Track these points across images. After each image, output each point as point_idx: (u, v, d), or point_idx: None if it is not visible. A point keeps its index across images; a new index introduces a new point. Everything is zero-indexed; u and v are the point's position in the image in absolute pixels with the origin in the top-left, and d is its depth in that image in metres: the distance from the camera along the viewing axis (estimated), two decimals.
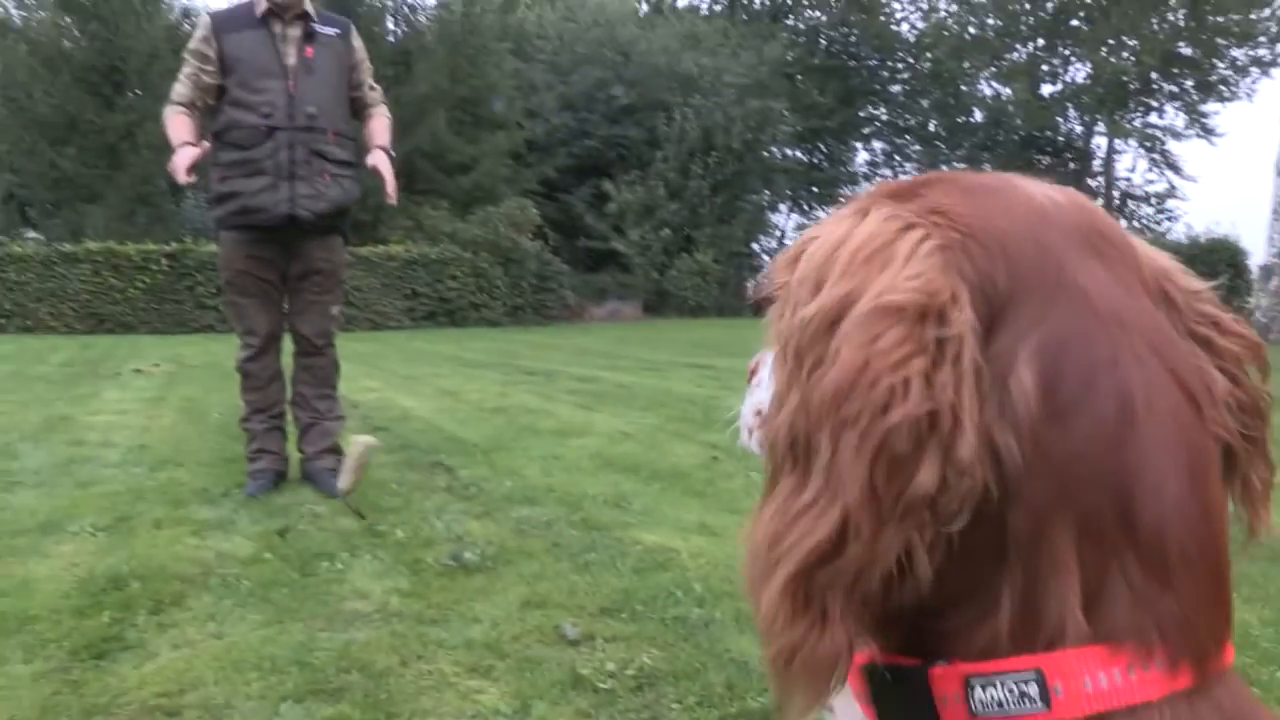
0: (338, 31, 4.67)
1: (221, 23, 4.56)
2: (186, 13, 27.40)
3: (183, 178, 4.45)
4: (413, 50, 26.75)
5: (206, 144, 4.52)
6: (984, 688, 0.59)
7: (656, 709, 2.39)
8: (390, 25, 28.00)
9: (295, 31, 4.51)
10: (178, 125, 4.52)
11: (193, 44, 4.61)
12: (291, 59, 4.48)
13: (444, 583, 3.33)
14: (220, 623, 2.97)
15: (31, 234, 25.73)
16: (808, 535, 0.59)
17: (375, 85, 4.88)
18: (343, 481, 4.36)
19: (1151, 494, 0.58)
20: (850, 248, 0.63)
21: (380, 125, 4.86)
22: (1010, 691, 0.58)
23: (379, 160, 4.75)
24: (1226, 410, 0.65)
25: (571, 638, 2.82)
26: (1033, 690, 0.58)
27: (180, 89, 4.57)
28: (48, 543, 3.84)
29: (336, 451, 4.79)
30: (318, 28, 4.57)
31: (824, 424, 0.59)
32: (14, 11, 28.19)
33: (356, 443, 4.43)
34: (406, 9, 28.11)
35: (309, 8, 4.55)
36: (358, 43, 4.76)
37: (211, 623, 2.97)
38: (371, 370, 11.19)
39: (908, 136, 36.62)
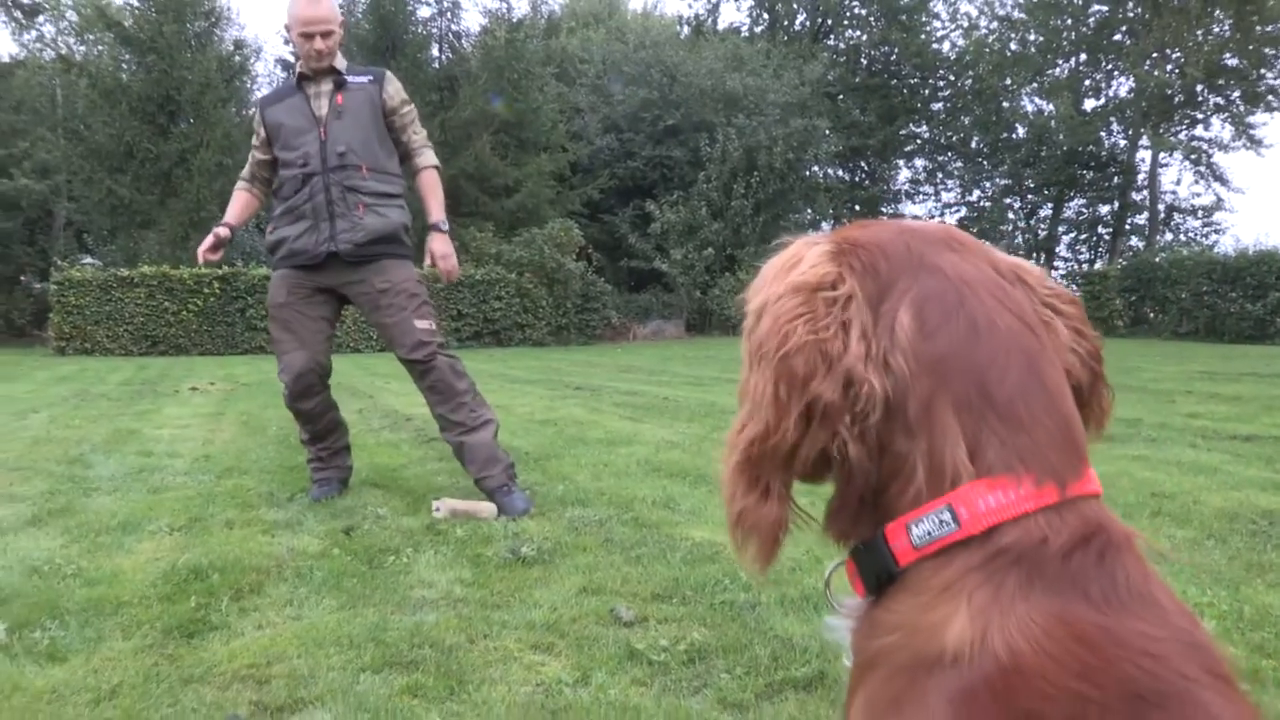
0: (369, 78, 4.80)
1: (266, 100, 4.95)
2: (238, 44, 28.12)
3: (200, 260, 4.81)
4: (458, 75, 27.20)
5: (228, 233, 4.87)
6: (917, 525, 0.85)
7: (707, 678, 2.56)
8: (435, 52, 28.49)
9: (327, 87, 4.73)
10: (233, 203, 4.98)
11: (254, 125, 5.00)
12: (323, 110, 4.70)
13: (504, 574, 3.52)
14: (298, 607, 3.17)
15: (88, 260, 26.43)
16: (745, 434, 0.92)
17: (420, 129, 4.97)
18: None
19: (999, 376, 0.86)
20: (778, 263, 0.97)
21: (431, 186, 4.93)
22: (934, 523, 0.84)
23: (434, 246, 4.83)
24: (1074, 354, 0.96)
25: (626, 619, 3.00)
26: (947, 516, 0.83)
27: (246, 167, 5.00)
28: (129, 540, 4.07)
29: (498, 460, 4.71)
30: (349, 78, 4.76)
31: (752, 364, 0.93)
32: (76, 48, 29.09)
33: (485, 505, 4.54)
34: (451, 35, 28.58)
35: (339, 64, 4.74)
36: (392, 88, 4.83)
37: (289, 607, 3.18)
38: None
39: (950, 154, 36.56)
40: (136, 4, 23.87)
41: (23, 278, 27.71)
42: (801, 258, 0.95)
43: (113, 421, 8.32)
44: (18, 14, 25.37)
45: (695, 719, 2.30)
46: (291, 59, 31.63)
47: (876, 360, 0.87)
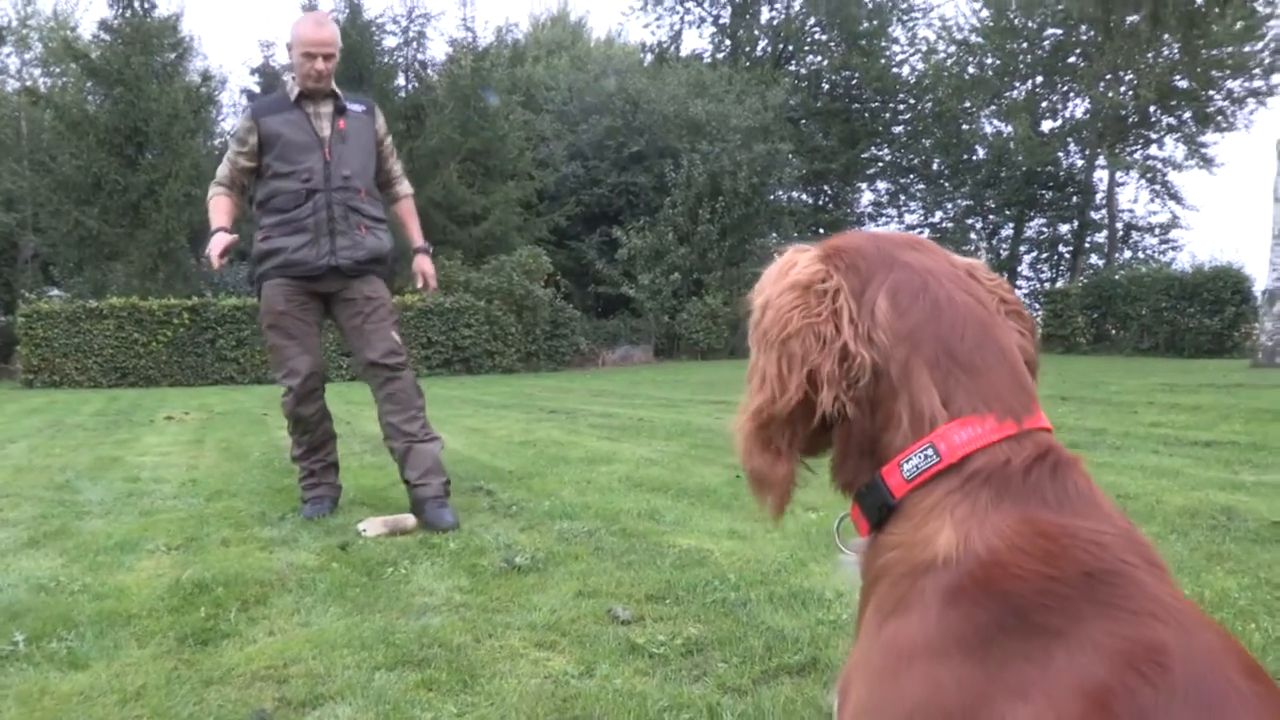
0: (364, 108, 5.07)
1: (260, 109, 5.03)
2: (205, 75, 28.12)
3: (216, 264, 4.87)
4: (424, 104, 27.35)
5: (236, 236, 4.93)
6: (907, 462, 1.06)
7: (705, 667, 2.71)
8: (401, 81, 28.64)
9: (326, 108, 4.93)
10: (217, 207, 4.98)
11: (236, 129, 5.11)
12: (326, 131, 4.90)
13: (501, 581, 3.65)
14: (305, 615, 3.29)
15: (55, 292, 26.29)
16: (755, 404, 1.14)
17: (398, 160, 5.32)
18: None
19: (959, 340, 1.08)
20: (775, 268, 1.19)
21: (409, 213, 5.37)
22: (920, 458, 1.05)
23: (424, 266, 5.32)
24: (1017, 333, 1.18)
25: (623, 618, 3.14)
26: (930, 452, 1.04)
27: (222, 170, 5.04)
28: (128, 559, 4.16)
29: (440, 473, 4.93)
30: (347, 104, 4.99)
31: (759, 349, 1.15)
32: (41, 80, 29.02)
33: (405, 517, 4.75)
34: (417, 65, 28.74)
35: (335, 88, 4.96)
36: (381, 121, 5.14)
37: (297, 615, 3.29)
38: None
39: (912, 176, 37.06)
40: (104, 35, 23.87)
41: None
42: (795, 262, 1.17)
43: (93, 450, 8.36)
44: None
45: (698, 703, 2.44)
46: (256, 88, 31.82)
47: (863, 337, 1.10)
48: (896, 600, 1.02)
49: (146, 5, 24.33)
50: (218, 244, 4.82)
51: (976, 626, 0.93)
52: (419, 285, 5.41)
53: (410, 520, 4.72)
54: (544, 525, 4.65)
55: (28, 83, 28.46)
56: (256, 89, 34.02)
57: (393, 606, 3.37)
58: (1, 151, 26.63)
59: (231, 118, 34.62)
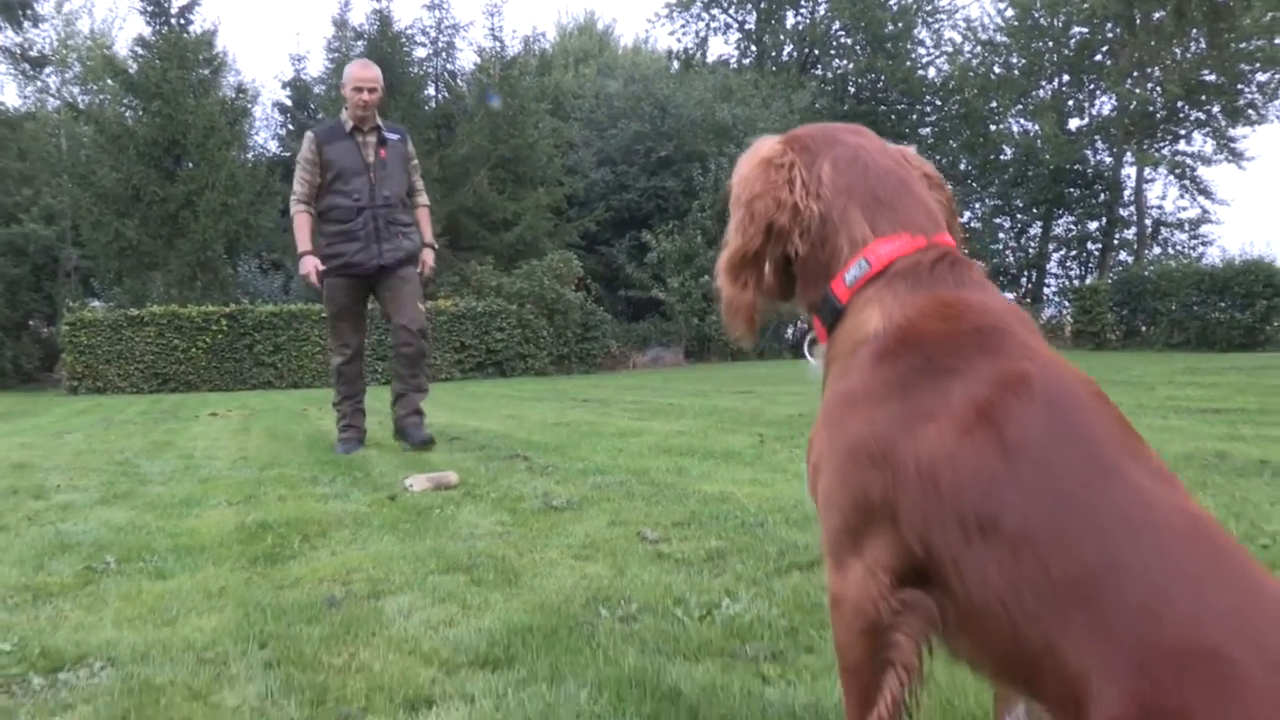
0: (399, 136, 6.71)
1: (322, 137, 6.53)
2: (240, 89, 28.71)
3: (314, 281, 6.50)
4: (454, 113, 27.78)
5: (318, 260, 6.49)
6: (847, 274, 1.47)
7: (724, 567, 3.00)
8: (431, 91, 29.11)
9: (371, 139, 6.52)
10: (301, 226, 6.56)
11: (304, 153, 6.51)
12: (370, 158, 6.49)
13: (539, 518, 3.96)
14: (363, 543, 3.61)
15: (95, 303, 26.89)
16: (728, 248, 1.56)
17: (420, 174, 6.91)
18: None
19: (883, 188, 1.50)
20: (747, 152, 1.61)
21: (425, 219, 6.91)
22: (857, 269, 1.45)
23: (425, 257, 6.87)
24: (937, 202, 1.58)
25: (651, 539, 3.44)
26: (863, 263, 1.45)
27: (300, 189, 6.53)
28: (194, 511, 4.50)
29: (420, 414, 6.77)
30: (386, 134, 6.57)
31: (733, 210, 1.57)
32: (80, 97, 29.73)
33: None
34: (447, 74, 29.19)
35: (379, 121, 6.56)
36: (411, 145, 6.84)
37: (355, 543, 3.61)
38: (434, 407, 11.85)
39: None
40: (142, 51, 24.46)
41: (31, 323, 28.13)
42: (763, 144, 1.62)
43: (145, 437, 8.75)
44: (25, 66, 25.94)
45: (716, 589, 2.74)
46: (289, 102, 32.45)
47: (812, 194, 1.52)
48: (843, 369, 1.41)
49: (183, 22, 24.92)
50: (309, 267, 6.47)
51: (898, 373, 1.31)
52: (420, 270, 6.81)
53: (453, 476, 5.04)
54: (578, 480, 4.95)
55: (68, 100, 29.11)
56: (289, 102, 34.70)
57: (441, 534, 3.68)
58: (43, 168, 27.27)
59: (264, 130, 35.38)
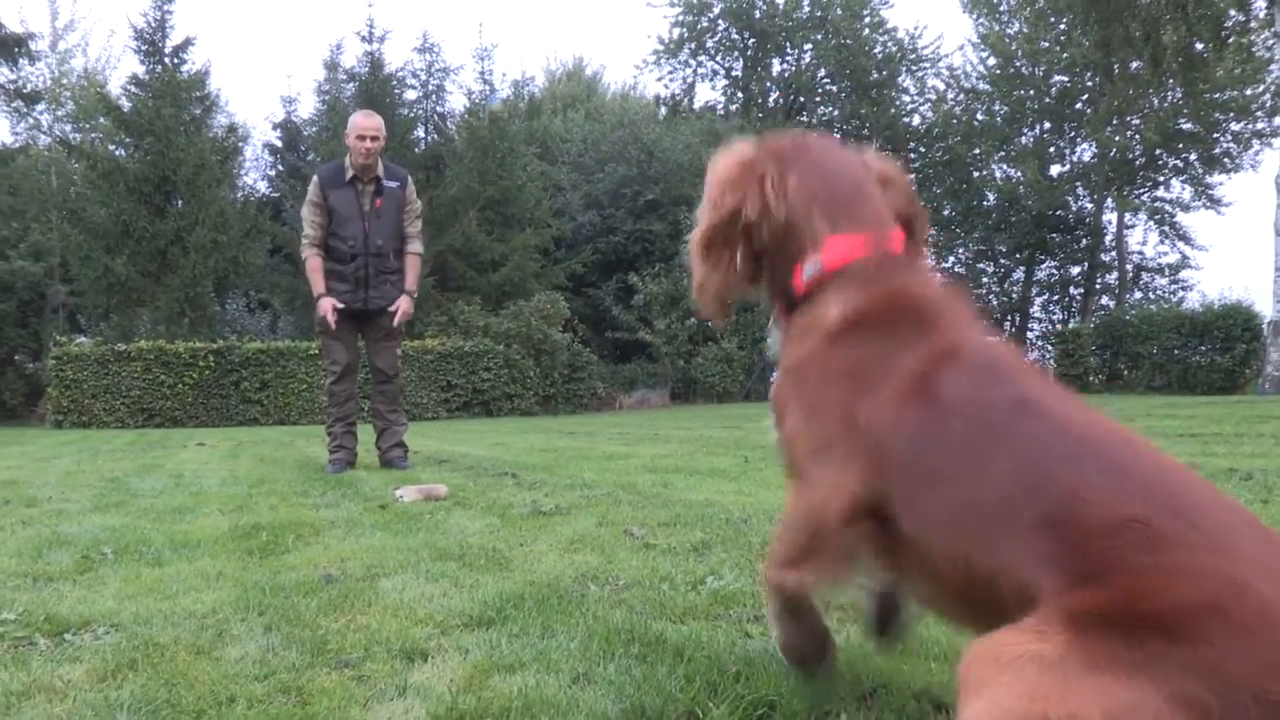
0: (398, 184, 6.87)
1: (326, 181, 6.77)
2: (230, 128, 28.98)
3: (332, 325, 6.69)
4: (443, 155, 28.05)
5: (333, 300, 6.72)
6: (805, 270, 1.68)
7: (708, 556, 3.09)
8: (421, 133, 29.39)
9: (370, 188, 6.76)
10: (314, 269, 6.79)
11: (310, 196, 6.79)
12: (367, 206, 6.75)
13: (529, 521, 4.04)
14: (356, 538, 3.69)
15: (82, 339, 26.89)
16: (698, 232, 1.80)
17: (418, 222, 7.04)
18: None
19: (843, 194, 1.73)
20: (723, 154, 1.84)
21: (413, 266, 6.99)
22: (813, 266, 1.67)
23: (403, 303, 6.93)
24: (901, 200, 1.81)
25: (638, 535, 3.52)
26: (820, 259, 1.66)
27: (311, 232, 6.80)
28: (187, 517, 4.56)
29: (403, 446, 7.11)
30: (385, 183, 6.78)
31: (706, 204, 1.80)
32: (72, 135, 29.91)
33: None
34: (436, 117, 29.49)
35: (380, 170, 6.75)
36: (411, 190, 6.99)
37: (349, 538, 3.69)
38: (420, 438, 11.92)
39: None
40: (135, 89, 24.66)
41: (16, 358, 28.12)
42: (738, 148, 1.82)
43: (135, 460, 8.80)
44: (19, 103, 26.10)
45: (704, 570, 2.82)
46: (279, 142, 32.69)
47: (780, 198, 1.72)
48: (799, 341, 1.65)
49: (176, 61, 25.17)
50: (325, 308, 6.68)
51: (851, 351, 1.54)
52: (393, 310, 6.93)
53: (442, 489, 5.12)
54: (566, 491, 5.04)
55: (59, 137, 29.27)
56: (279, 143, 34.95)
57: (433, 533, 3.76)
58: (33, 203, 27.38)
59: (254, 171, 35.60)
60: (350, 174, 6.72)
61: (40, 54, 26.71)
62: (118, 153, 25.16)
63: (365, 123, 6.72)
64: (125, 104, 24.83)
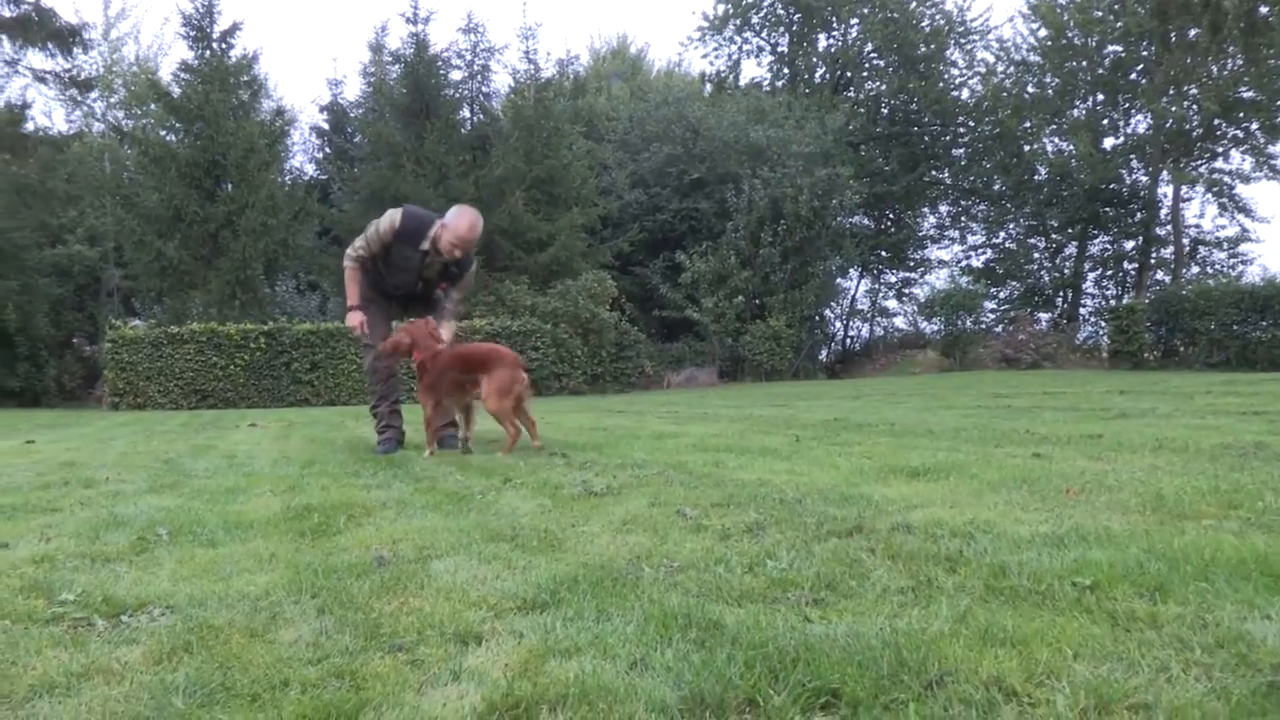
0: (459, 271, 6.78)
1: (402, 236, 6.61)
2: (278, 112, 29.21)
3: (358, 333, 6.81)
4: (489, 135, 28.07)
5: (363, 314, 6.79)
6: None
7: (762, 537, 3.04)
8: (466, 113, 29.41)
9: (439, 262, 6.65)
10: (351, 280, 6.83)
11: (382, 227, 6.64)
12: (427, 274, 6.73)
13: (580, 501, 4.00)
14: (407, 519, 3.68)
15: (137, 322, 27.30)
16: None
17: (460, 296, 6.96)
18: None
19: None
20: None
21: (447, 313, 6.79)
22: None
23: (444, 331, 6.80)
24: None
25: (691, 515, 3.48)
26: None
27: (360, 250, 6.76)
28: (240, 498, 4.58)
29: (454, 425, 6.88)
30: (452, 269, 6.71)
31: None
32: (124, 121, 30.31)
33: None
34: (482, 97, 29.50)
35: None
36: (470, 277, 7.02)
37: (400, 519, 3.68)
38: None
39: (973, 198, 36.97)
40: (185, 75, 24.93)
41: (74, 341, 28.60)
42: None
43: (188, 441, 8.89)
44: (73, 91, 26.47)
45: (759, 552, 2.78)
46: (325, 125, 32.93)
47: None
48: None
49: (224, 46, 25.38)
50: (355, 321, 6.76)
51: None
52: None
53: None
54: (617, 471, 5.00)
55: (112, 123, 29.71)
56: (325, 126, 35.19)
57: (485, 513, 3.74)
58: (87, 189, 27.78)
59: (301, 154, 35.90)
60: (425, 246, 6.61)
61: (93, 42, 27.02)
62: (169, 138, 25.47)
63: (468, 235, 6.57)
64: (175, 90, 25.13)
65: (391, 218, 6.64)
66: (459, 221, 6.51)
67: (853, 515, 3.22)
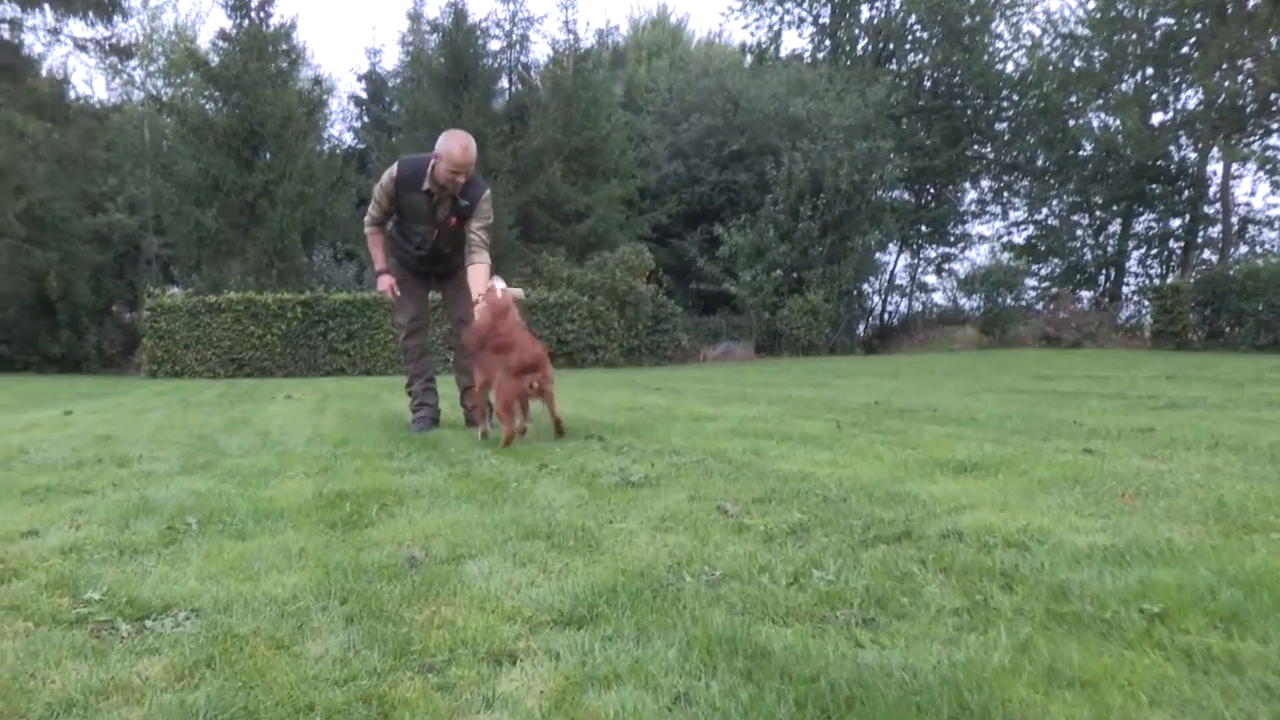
0: (468, 203, 6.44)
1: (402, 183, 6.46)
2: (316, 81, 29.20)
3: (390, 296, 6.80)
4: (527, 105, 27.92)
5: (392, 277, 6.80)
6: None
7: (807, 541, 2.93)
8: (505, 83, 29.26)
9: (446, 203, 6.47)
10: (375, 244, 6.82)
11: (384, 184, 6.56)
12: (440, 218, 6.52)
13: (618, 492, 3.91)
14: (440, 511, 3.59)
15: (175, 290, 27.48)
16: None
17: (484, 232, 6.50)
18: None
19: None
20: None
21: (477, 275, 6.37)
22: None
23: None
24: None
25: (732, 512, 3.37)
26: None
27: (374, 213, 6.71)
28: (272, 481, 4.52)
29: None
30: (460, 202, 6.43)
31: None
32: (164, 90, 30.43)
33: None
34: (520, 67, 29.34)
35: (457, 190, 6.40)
36: (486, 205, 6.50)
37: (433, 510, 3.60)
38: None
39: (1016, 173, 36.40)
40: (223, 44, 24.93)
41: (114, 308, 28.83)
42: None
43: (223, 415, 8.88)
44: (113, 58, 26.58)
45: (804, 560, 2.67)
46: (364, 94, 32.89)
47: None
48: None
49: (262, 15, 25.34)
50: (385, 284, 6.79)
51: None
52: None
53: None
54: (655, 458, 4.90)
55: (151, 93, 29.82)
56: (364, 95, 35.14)
57: (520, 505, 3.65)
58: (127, 158, 27.94)
59: (340, 123, 35.91)
60: (427, 185, 6.40)
61: (133, 10, 27.13)
62: (207, 107, 25.51)
63: (462, 158, 6.25)
64: (213, 59, 25.13)
65: (390, 171, 6.54)
66: (450, 147, 6.26)
67: (900, 517, 3.10)
